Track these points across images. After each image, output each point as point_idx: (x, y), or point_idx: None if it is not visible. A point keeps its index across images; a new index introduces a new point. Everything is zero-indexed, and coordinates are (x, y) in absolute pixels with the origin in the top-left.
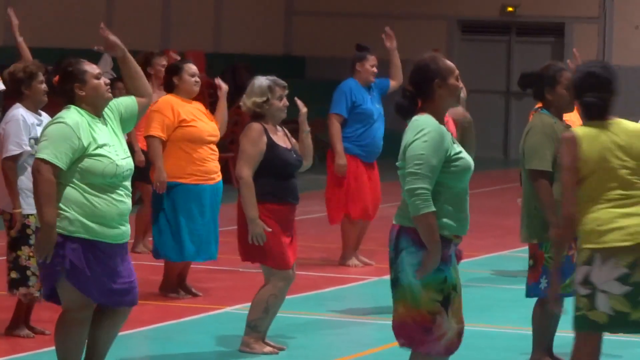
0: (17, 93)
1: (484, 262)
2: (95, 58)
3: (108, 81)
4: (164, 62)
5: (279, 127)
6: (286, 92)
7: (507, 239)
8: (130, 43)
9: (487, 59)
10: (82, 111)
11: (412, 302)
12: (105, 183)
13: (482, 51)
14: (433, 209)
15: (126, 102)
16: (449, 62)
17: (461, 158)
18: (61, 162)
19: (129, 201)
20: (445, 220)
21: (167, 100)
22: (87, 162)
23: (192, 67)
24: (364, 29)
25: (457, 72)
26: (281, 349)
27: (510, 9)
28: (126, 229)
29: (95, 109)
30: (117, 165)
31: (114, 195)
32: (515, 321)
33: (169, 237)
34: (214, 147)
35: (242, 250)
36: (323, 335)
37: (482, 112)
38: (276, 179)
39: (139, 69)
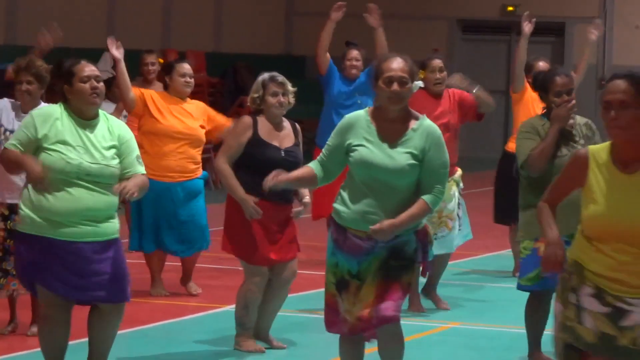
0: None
1: (484, 261)
2: (96, 56)
3: (97, 85)
4: (151, 60)
5: (287, 125)
6: (288, 88)
7: (507, 239)
8: (131, 43)
9: (487, 59)
10: (66, 110)
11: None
12: (57, 178)
13: (483, 51)
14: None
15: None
16: (390, 64)
17: (355, 151)
18: (19, 148)
19: (94, 199)
20: (337, 205)
21: (151, 90)
22: (41, 155)
23: (184, 67)
24: (365, 29)
25: (387, 74)
26: (281, 348)
27: (510, 8)
28: (91, 228)
29: (81, 112)
30: (67, 163)
31: (70, 192)
32: (515, 320)
33: (136, 229)
34: (186, 146)
35: (223, 240)
36: (323, 334)
37: None
38: (258, 175)
39: None
